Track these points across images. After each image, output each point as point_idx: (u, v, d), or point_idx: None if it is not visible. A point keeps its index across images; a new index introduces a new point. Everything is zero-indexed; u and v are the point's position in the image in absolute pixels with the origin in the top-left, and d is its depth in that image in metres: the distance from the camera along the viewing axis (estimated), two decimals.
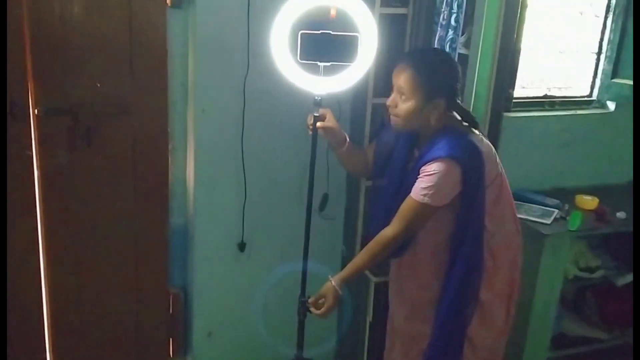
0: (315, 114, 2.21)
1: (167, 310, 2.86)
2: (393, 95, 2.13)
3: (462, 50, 2.64)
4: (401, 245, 2.21)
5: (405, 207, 2.10)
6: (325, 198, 2.84)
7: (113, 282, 2.72)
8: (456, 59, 2.57)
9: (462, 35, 2.62)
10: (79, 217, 2.57)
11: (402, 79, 2.07)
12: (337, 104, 2.53)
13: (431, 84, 2.05)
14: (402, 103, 2.09)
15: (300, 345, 2.39)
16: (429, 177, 2.04)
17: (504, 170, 2.20)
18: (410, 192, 2.09)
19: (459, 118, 2.18)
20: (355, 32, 2.10)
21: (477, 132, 2.17)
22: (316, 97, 2.14)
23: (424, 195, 2.04)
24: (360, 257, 2.22)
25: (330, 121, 2.26)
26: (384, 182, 2.34)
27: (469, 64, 2.73)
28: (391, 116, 2.16)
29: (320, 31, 2.05)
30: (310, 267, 2.36)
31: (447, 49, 2.56)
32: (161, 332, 2.88)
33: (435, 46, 2.54)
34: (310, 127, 2.25)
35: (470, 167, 2.05)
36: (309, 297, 2.27)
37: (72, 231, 2.58)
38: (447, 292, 2.18)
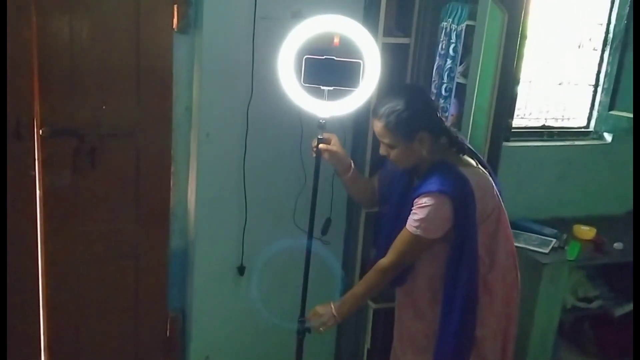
0: (319, 137, 2.24)
1: (164, 333, 2.85)
2: (381, 146, 2.15)
3: (460, 80, 2.69)
4: (400, 274, 2.22)
5: (399, 239, 2.13)
6: (327, 222, 2.86)
7: (112, 303, 2.72)
8: (454, 88, 2.62)
9: (460, 64, 2.67)
10: (80, 237, 2.58)
11: (377, 131, 2.11)
12: (341, 129, 2.56)
13: (404, 125, 2.05)
14: (390, 150, 2.12)
15: None
16: (421, 210, 2.05)
17: (502, 203, 2.20)
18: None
19: (450, 146, 2.18)
20: (359, 59, 2.13)
21: (471, 161, 2.17)
22: (320, 120, 2.17)
23: (416, 227, 2.06)
24: (359, 286, 2.25)
25: (335, 145, 2.28)
26: (385, 210, 2.36)
27: (467, 93, 2.77)
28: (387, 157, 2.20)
29: (324, 56, 2.09)
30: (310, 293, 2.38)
31: (446, 78, 2.60)
32: (158, 355, 2.87)
33: (434, 75, 2.58)
34: (315, 149, 2.27)
35: (461, 202, 2.04)
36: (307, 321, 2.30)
37: (72, 251, 2.58)
38: (445, 327, 2.17)
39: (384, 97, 2.10)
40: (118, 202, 2.61)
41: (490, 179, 2.18)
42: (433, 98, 2.62)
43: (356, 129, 2.76)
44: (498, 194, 2.19)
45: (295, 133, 2.59)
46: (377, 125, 2.09)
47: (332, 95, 2.14)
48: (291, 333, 2.45)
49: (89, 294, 2.67)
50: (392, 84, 2.52)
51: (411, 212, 2.09)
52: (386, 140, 2.10)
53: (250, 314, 2.87)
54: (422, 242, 2.09)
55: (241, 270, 2.79)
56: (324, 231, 2.86)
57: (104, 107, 2.46)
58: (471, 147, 2.26)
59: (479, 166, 2.18)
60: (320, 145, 2.25)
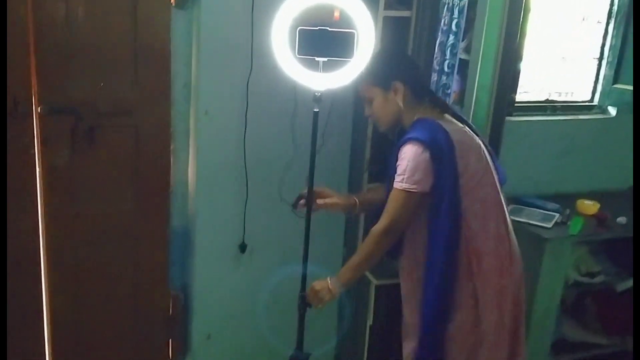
0: (301, 192, 2.30)
1: (166, 311, 2.85)
2: (365, 107, 2.24)
3: (463, 56, 2.65)
4: (396, 244, 2.20)
5: (389, 200, 2.11)
6: None
7: (113, 282, 2.71)
8: (457, 64, 2.59)
9: (462, 40, 2.63)
10: (79, 217, 2.57)
11: (359, 90, 2.23)
12: (333, 101, 2.54)
13: (376, 75, 2.15)
14: (369, 107, 2.20)
15: (300, 341, 2.39)
16: (401, 162, 2.07)
17: (495, 172, 2.19)
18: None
19: (433, 106, 2.20)
20: (354, 29, 2.12)
21: (456, 121, 2.18)
22: (316, 93, 2.15)
23: (401, 181, 2.06)
24: (355, 257, 2.21)
25: (332, 197, 2.31)
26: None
27: (470, 69, 2.74)
28: (375, 123, 2.26)
29: (318, 27, 2.08)
30: (311, 268, 2.36)
31: (448, 55, 2.57)
32: (160, 334, 2.87)
33: (436, 52, 2.56)
34: (299, 206, 2.32)
35: (439, 150, 2.04)
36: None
37: (72, 231, 2.57)
38: (428, 284, 2.15)
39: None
40: (117, 182, 2.59)
41: (479, 141, 2.18)
42: (433, 73, 2.61)
43: (357, 107, 2.73)
44: (489, 159, 2.18)
45: (296, 109, 2.57)
46: (359, 85, 2.20)
47: (328, 67, 2.11)
48: (293, 310, 2.44)
49: (90, 275, 2.66)
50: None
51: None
52: (365, 94, 2.19)
53: (252, 291, 2.87)
54: (410, 196, 2.06)
55: (243, 248, 2.78)
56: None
57: (101, 85, 2.43)
58: (461, 115, 2.28)
59: (466, 127, 2.19)
60: (318, 202, 2.28)
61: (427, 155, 2.04)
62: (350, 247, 2.89)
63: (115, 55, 2.43)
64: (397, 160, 2.10)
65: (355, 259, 2.20)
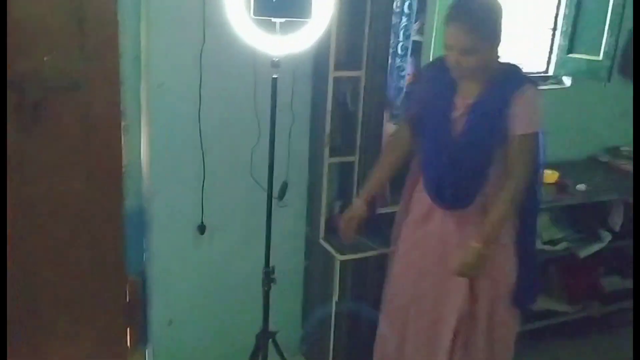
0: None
1: (124, 298, 2.73)
2: (455, 56, 2.06)
3: (416, 37, 2.64)
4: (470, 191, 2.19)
5: (518, 149, 2.07)
6: (284, 186, 2.77)
7: (66, 268, 2.59)
8: (410, 46, 2.57)
9: (415, 22, 2.61)
10: (27, 200, 2.43)
11: (462, 39, 2.03)
12: (292, 73, 2.48)
13: (492, 35, 2.05)
14: (468, 57, 2.04)
15: (265, 319, 2.33)
16: (524, 109, 2.05)
17: None
18: (471, 138, 2.10)
19: None
20: None
21: None
22: (274, 59, 2.08)
23: (534, 124, 2.08)
24: (498, 212, 2.12)
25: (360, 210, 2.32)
26: (426, 143, 2.28)
27: (423, 50, 2.72)
28: (455, 67, 2.09)
29: None
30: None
31: (401, 37, 2.55)
32: (119, 321, 2.75)
33: (391, 34, 2.52)
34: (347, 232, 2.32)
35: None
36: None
37: (20, 216, 2.43)
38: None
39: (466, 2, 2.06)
40: (66, 162, 2.46)
41: None
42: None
43: (315, 78, 2.67)
44: None
45: (250, 79, 2.49)
46: (462, 29, 2.02)
47: (285, 29, 2.04)
48: (257, 289, 2.37)
49: (41, 261, 2.53)
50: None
51: (511, 116, 2.04)
52: (469, 44, 2.02)
53: (214, 273, 2.78)
54: (537, 137, 2.11)
55: (202, 229, 2.69)
56: (281, 195, 2.77)
57: (45, 59, 2.30)
58: None
59: None
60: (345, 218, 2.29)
61: (539, 92, 2.09)
62: (314, 226, 2.83)
63: (60, 27, 2.31)
64: (505, 107, 2.05)
65: (498, 215, 2.12)
